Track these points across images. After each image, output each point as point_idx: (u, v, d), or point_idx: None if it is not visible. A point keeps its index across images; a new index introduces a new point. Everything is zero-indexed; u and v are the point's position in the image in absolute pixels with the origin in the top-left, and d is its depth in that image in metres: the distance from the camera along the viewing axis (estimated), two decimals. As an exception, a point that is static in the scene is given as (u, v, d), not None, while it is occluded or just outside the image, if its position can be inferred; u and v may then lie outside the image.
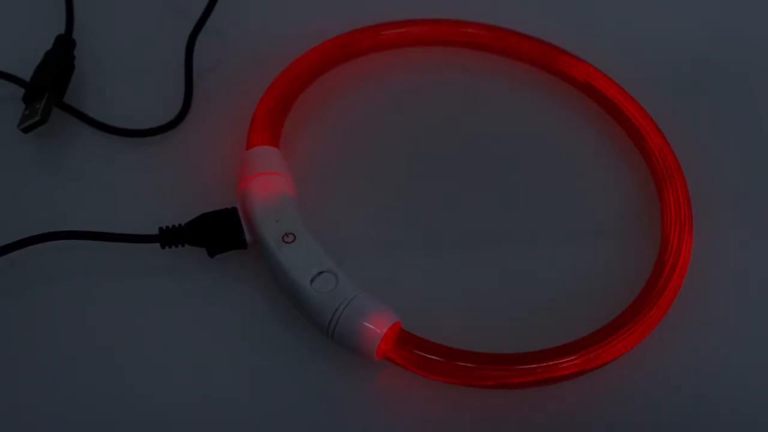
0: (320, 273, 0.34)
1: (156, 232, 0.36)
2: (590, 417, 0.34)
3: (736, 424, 0.35)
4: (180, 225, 0.36)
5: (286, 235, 0.35)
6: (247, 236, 0.36)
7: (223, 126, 0.41)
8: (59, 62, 0.42)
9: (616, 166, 0.42)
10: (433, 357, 0.33)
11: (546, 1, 0.49)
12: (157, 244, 0.36)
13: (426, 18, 0.45)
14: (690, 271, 0.37)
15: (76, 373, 0.34)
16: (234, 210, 0.36)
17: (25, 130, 0.40)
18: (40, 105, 0.40)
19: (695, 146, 0.42)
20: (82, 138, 0.41)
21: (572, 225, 0.40)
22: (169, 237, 0.36)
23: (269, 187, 0.37)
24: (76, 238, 0.36)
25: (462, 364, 0.33)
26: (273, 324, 0.36)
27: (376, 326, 0.33)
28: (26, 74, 0.41)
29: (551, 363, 0.33)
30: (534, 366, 0.33)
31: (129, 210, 0.38)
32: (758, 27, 0.49)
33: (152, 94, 0.43)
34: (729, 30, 0.49)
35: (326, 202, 0.39)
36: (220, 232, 0.36)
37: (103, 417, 0.33)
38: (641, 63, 0.47)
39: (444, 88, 0.45)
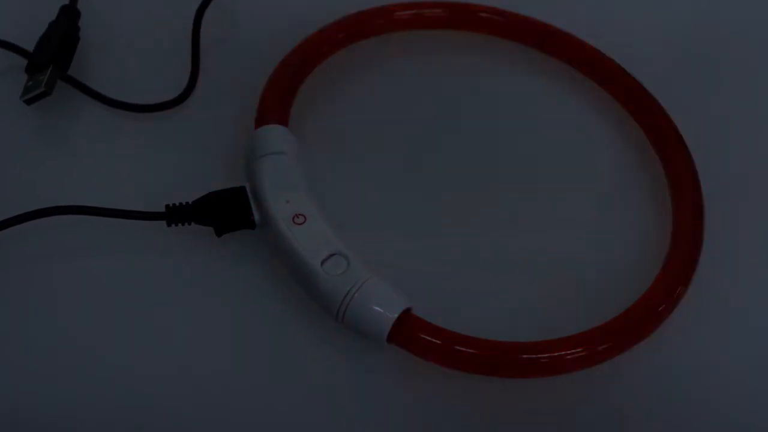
0: (331, 255, 0.34)
1: (162, 209, 0.36)
2: (596, 409, 0.34)
3: (745, 421, 0.35)
4: (187, 203, 0.36)
5: (297, 216, 0.34)
6: (256, 216, 0.35)
7: (231, 103, 0.41)
8: (64, 33, 0.41)
9: (628, 158, 0.42)
10: (443, 343, 0.33)
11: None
12: (163, 222, 0.36)
13: (438, 1, 0.45)
14: (701, 265, 0.37)
15: (75, 352, 0.33)
16: (242, 189, 0.36)
17: (28, 102, 0.39)
18: (44, 76, 0.39)
19: (708, 138, 0.42)
20: (86, 111, 0.40)
21: (583, 216, 0.40)
22: (175, 215, 0.36)
23: (279, 166, 0.36)
24: (80, 213, 0.35)
25: (471, 351, 0.33)
26: (281, 306, 0.35)
27: (387, 311, 0.33)
28: (29, 44, 0.41)
29: (559, 353, 0.33)
30: (541, 356, 0.33)
31: (134, 186, 0.38)
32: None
33: (159, 68, 0.42)
34: (744, 19, 0.49)
35: (337, 183, 0.39)
36: (228, 210, 0.36)
37: (102, 398, 0.33)
38: (656, 50, 0.46)
39: (456, 71, 0.44)
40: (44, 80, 0.39)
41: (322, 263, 0.33)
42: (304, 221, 0.34)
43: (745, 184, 0.41)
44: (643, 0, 0.49)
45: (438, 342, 0.33)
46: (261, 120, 0.38)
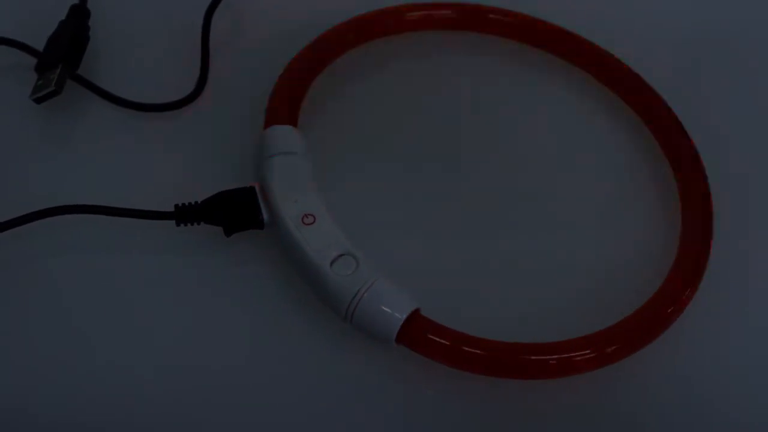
0: (340, 256, 0.34)
1: (171, 208, 0.36)
2: (604, 411, 0.34)
3: (752, 422, 0.35)
4: (196, 202, 0.36)
5: (306, 216, 0.34)
6: (265, 216, 0.35)
7: (240, 103, 0.41)
8: (73, 32, 0.41)
9: (637, 159, 0.42)
10: (452, 344, 0.33)
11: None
12: (172, 222, 0.36)
13: (449, 1, 0.45)
14: (710, 267, 0.37)
15: (80, 352, 0.33)
16: (252, 189, 0.36)
17: (38, 101, 0.39)
18: (54, 75, 0.39)
19: (717, 139, 0.42)
20: (96, 111, 0.40)
21: (592, 218, 0.40)
22: (184, 214, 0.36)
23: (288, 166, 0.36)
24: (89, 212, 0.35)
25: (480, 352, 0.33)
26: (289, 306, 0.35)
27: (396, 312, 0.33)
28: (39, 44, 0.41)
29: (567, 355, 0.33)
30: (549, 357, 0.33)
31: (143, 186, 0.38)
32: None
33: (168, 67, 0.42)
34: (754, 19, 0.49)
35: (346, 183, 0.39)
36: (237, 210, 0.36)
37: (105, 398, 0.33)
38: (662, 50, 0.46)
39: (465, 73, 0.44)
40: (54, 79, 0.39)
41: (331, 263, 0.33)
42: (314, 221, 0.34)
43: (755, 185, 0.41)
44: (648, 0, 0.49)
45: (446, 343, 0.33)
46: (270, 120, 0.38)
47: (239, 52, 0.43)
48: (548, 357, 0.33)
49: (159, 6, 0.45)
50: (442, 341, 0.33)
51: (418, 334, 0.33)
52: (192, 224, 0.36)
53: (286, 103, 0.39)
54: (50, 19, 0.42)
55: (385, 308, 0.32)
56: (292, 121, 0.38)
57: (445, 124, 0.42)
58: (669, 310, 0.35)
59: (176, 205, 0.36)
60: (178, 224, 0.36)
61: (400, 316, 0.32)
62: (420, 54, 0.45)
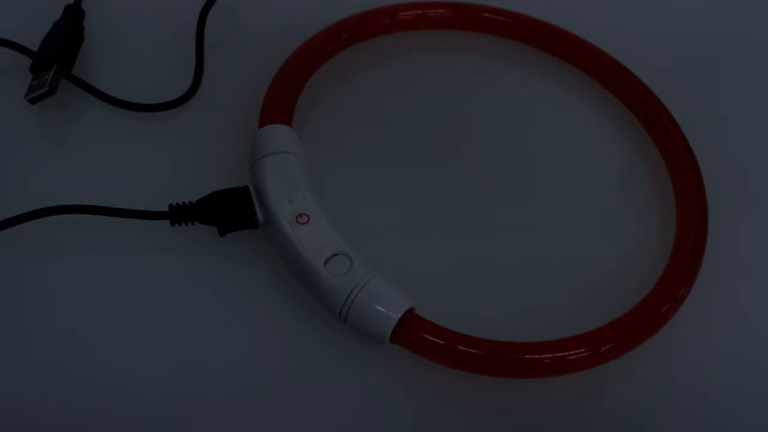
0: (334, 255, 0.33)
1: (165, 208, 0.36)
2: (599, 410, 0.34)
3: (748, 422, 0.34)
4: (190, 202, 0.36)
5: (300, 215, 0.34)
6: (259, 215, 0.35)
7: (235, 103, 0.41)
8: (68, 33, 0.41)
9: (632, 158, 0.42)
10: (446, 343, 0.33)
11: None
12: (167, 221, 0.36)
13: (443, 1, 0.45)
14: (704, 266, 0.37)
15: (76, 352, 0.33)
16: (246, 188, 0.36)
17: (32, 101, 0.39)
18: (49, 75, 0.39)
19: (711, 138, 0.42)
20: (90, 111, 0.40)
21: (587, 216, 0.40)
22: (178, 214, 0.35)
23: (283, 166, 0.36)
24: (83, 212, 0.35)
25: (474, 351, 0.33)
26: (283, 306, 0.35)
27: (390, 311, 0.32)
28: (33, 44, 0.41)
29: (562, 354, 0.33)
30: (544, 356, 0.33)
31: (137, 186, 0.38)
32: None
33: (162, 67, 0.42)
34: (752, 18, 0.49)
35: (340, 183, 0.39)
36: (231, 210, 0.35)
37: (101, 398, 0.33)
38: (658, 50, 0.46)
39: (460, 72, 0.44)
40: (48, 79, 0.39)
41: (325, 263, 0.33)
42: (308, 221, 0.34)
43: (753, 185, 0.41)
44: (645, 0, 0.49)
45: (441, 342, 0.33)
46: (264, 120, 0.38)
47: (234, 52, 0.43)
48: (543, 356, 0.33)
49: (153, 6, 0.45)
50: (437, 340, 0.33)
51: (412, 333, 0.33)
52: (186, 224, 0.36)
53: (280, 102, 0.39)
54: (46, 19, 0.42)
55: (379, 308, 0.32)
56: (287, 120, 0.38)
57: (441, 123, 0.42)
58: (664, 309, 0.35)
59: (170, 205, 0.36)
60: (172, 224, 0.36)
61: (395, 315, 0.32)
62: (416, 54, 0.45)
